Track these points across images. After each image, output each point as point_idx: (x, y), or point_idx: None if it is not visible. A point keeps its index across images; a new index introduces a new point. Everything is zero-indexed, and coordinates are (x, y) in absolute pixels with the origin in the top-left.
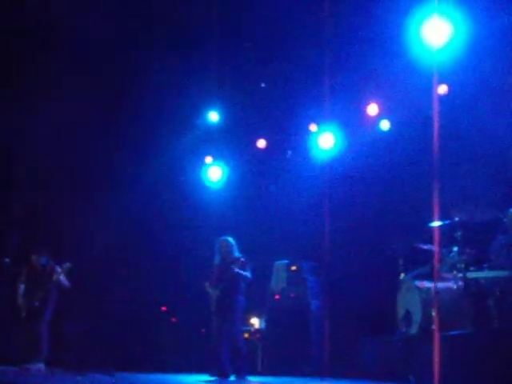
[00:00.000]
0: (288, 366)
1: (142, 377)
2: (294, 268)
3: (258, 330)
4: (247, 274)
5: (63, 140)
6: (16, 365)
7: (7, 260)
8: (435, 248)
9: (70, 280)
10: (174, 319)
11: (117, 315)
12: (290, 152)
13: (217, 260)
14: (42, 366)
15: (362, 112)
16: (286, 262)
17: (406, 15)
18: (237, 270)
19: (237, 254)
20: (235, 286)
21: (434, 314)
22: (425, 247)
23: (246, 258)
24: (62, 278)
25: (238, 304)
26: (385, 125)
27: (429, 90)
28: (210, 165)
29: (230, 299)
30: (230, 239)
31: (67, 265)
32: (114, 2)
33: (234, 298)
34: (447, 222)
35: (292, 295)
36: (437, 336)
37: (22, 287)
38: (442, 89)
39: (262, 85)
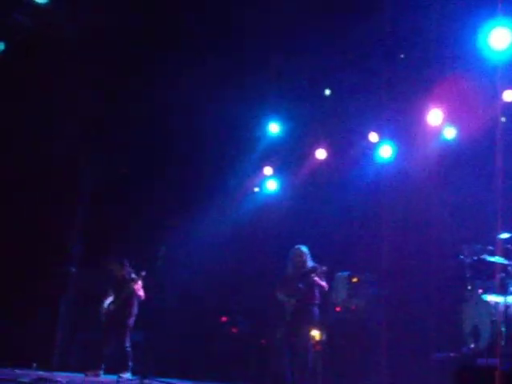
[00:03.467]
0: (349, 379)
1: None
2: (355, 280)
3: (318, 343)
4: (324, 283)
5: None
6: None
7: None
8: (503, 261)
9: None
10: (234, 330)
11: (176, 325)
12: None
13: (289, 269)
14: (129, 375)
15: (424, 120)
16: (347, 273)
17: (465, 20)
18: (316, 278)
19: (310, 263)
20: (312, 296)
21: (503, 329)
22: (492, 259)
23: (322, 266)
24: (138, 287)
25: (314, 315)
26: (450, 133)
27: (495, 96)
28: (269, 176)
29: (307, 310)
30: (304, 248)
31: (143, 273)
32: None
33: (311, 308)
34: None
35: (353, 308)
36: None
37: (107, 301)
38: (509, 95)
39: (327, 92)
